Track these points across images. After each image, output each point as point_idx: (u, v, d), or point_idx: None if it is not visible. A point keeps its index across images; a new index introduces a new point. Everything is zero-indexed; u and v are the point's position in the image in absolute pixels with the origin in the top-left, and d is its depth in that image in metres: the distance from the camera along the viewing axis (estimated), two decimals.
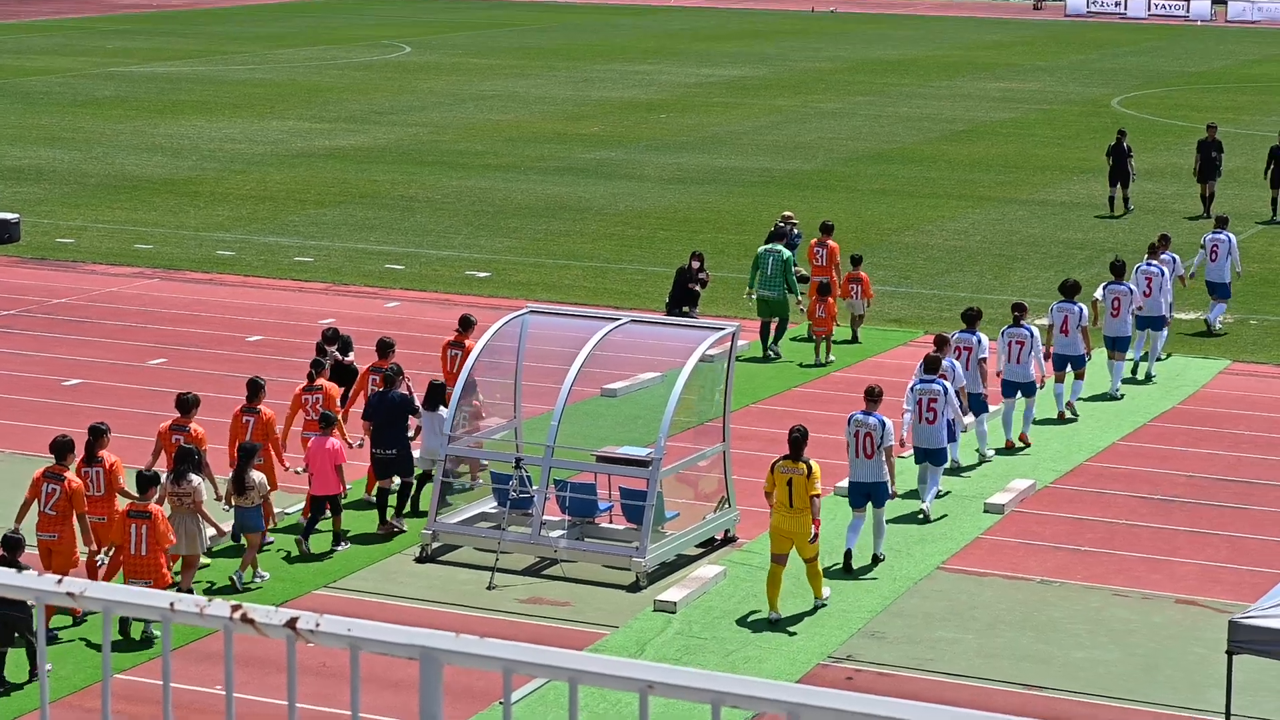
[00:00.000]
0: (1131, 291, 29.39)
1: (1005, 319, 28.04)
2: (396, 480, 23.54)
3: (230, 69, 74.78)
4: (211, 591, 21.12)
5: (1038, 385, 26.82)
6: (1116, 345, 29.35)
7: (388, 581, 21.53)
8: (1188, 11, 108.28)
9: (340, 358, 25.29)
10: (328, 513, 22.60)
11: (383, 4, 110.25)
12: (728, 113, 62.95)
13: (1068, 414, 28.08)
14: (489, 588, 21.20)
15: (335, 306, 34.67)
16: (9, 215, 41.07)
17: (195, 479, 20.58)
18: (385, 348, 24.45)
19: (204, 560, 21.48)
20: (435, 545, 22.28)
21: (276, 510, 22.91)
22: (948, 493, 24.51)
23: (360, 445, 23.82)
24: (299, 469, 23.21)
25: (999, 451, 26.41)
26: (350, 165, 50.99)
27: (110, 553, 20.47)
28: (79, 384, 29.40)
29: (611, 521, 22.62)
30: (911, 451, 24.08)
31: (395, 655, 4.00)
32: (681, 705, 15.36)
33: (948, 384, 23.90)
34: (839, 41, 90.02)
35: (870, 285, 32.80)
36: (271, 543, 22.41)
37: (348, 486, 23.08)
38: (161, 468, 21.42)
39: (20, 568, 18.32)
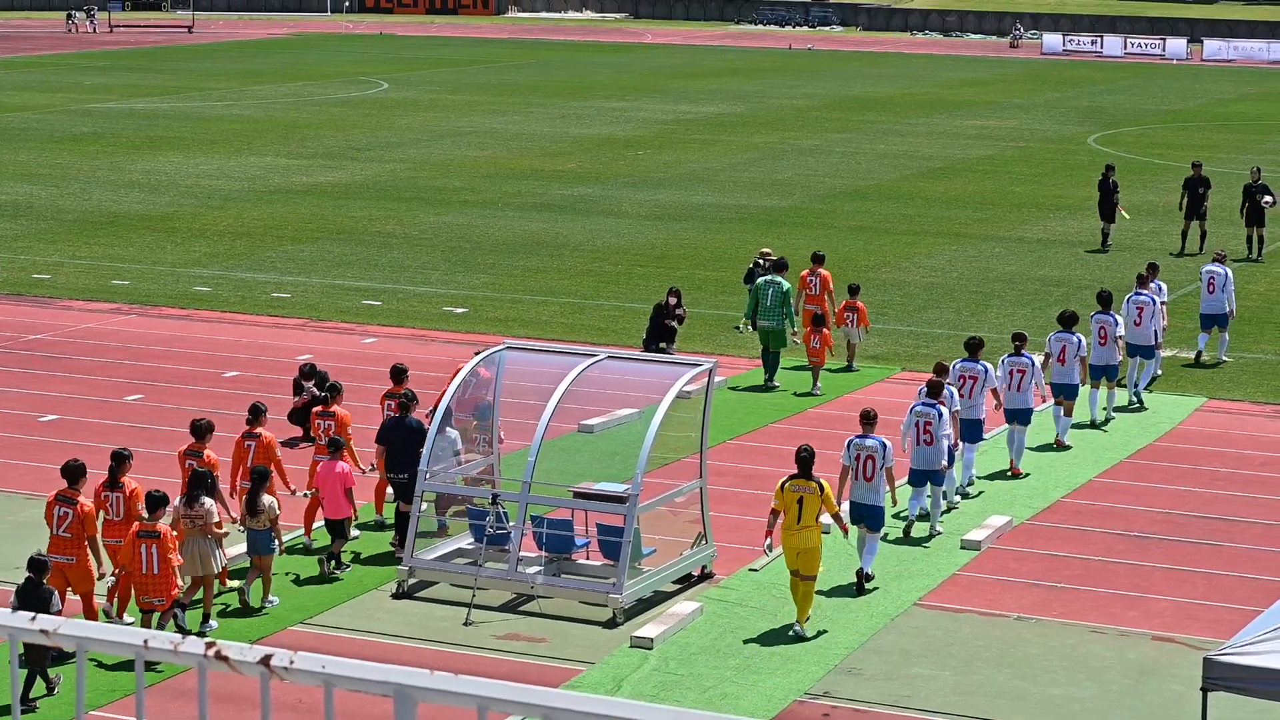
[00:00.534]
0: (1118, 322, 29.68)
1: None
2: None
3: (208, 105, 74.77)
4: (225, 614, 21.20)
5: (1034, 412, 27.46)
6: (1106, 374, 29.78)
7: (363, 618, 21.47)
8: (1163, 50, 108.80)
9: (317, 393, 25.28)
10: (356, 533, 23.06)
11: (360, 41, 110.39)
12: (705, 149, 63.06)
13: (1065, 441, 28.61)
14: (465, 624, 21.16)
15: (312, 342, 34.62)
16: None
17: (208, 501, 20.87)
18: (399, 374, 24.73)
19: (231, 583, 21.79)
20: (412, 581, 22.23)
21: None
22: (955, 508, 25.22)
23: (372, 471, 23.93)
24: (304, 492, 23.45)
25: (999, 475, 26.99)
26: (327, 201, 50.97)
27: (118, 574, 20.49)
28: (55, 419, 29.33)
29: (588, 558, 22.59)
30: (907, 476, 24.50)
31: (369, 692, 3.99)
32: None
33: (944, 409, 24.30)
34: (816, 79, 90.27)
35: (867, 314, 33.21)
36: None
37: (358, 509, 23.32)
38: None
39: (46, 590, 18.69)
